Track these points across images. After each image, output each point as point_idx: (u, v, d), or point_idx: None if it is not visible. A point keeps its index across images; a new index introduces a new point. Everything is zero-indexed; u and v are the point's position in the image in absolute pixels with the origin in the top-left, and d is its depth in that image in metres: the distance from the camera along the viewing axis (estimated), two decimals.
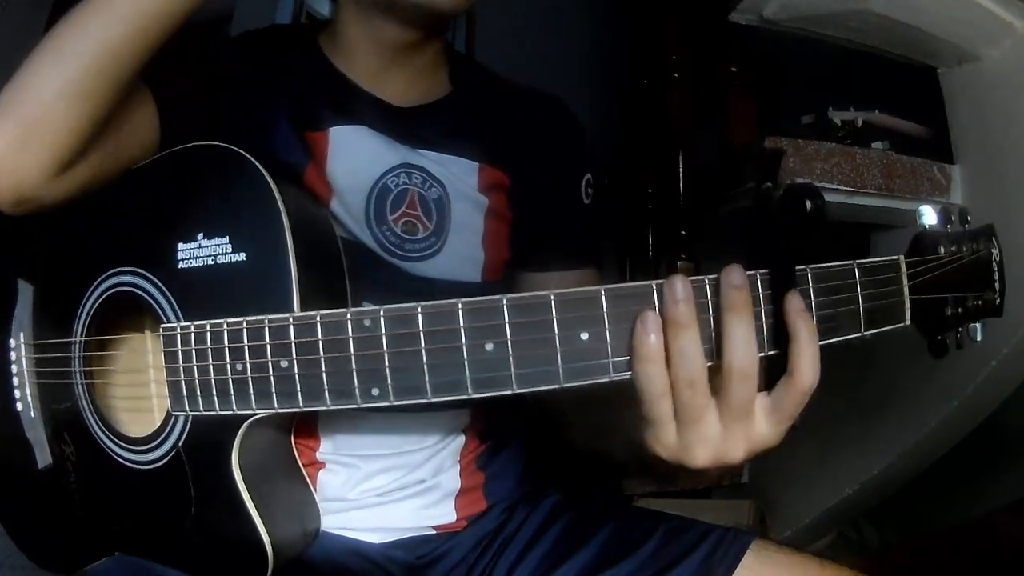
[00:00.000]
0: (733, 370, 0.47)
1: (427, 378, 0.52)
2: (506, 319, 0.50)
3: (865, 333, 0.52)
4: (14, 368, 0.71)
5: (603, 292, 0.49)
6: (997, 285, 0.57)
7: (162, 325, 0.60)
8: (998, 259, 0.57)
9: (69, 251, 0.70)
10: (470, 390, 0.51)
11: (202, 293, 0.60)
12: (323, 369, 0.54)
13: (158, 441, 0.62)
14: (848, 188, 1.26)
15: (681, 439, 0.49)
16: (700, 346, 0.47)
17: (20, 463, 0.70)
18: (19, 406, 0.70)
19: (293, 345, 0.54)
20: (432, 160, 0.75)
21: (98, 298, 0.67)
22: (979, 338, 0.58)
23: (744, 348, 0.46)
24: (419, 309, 0.51)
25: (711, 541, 0.69)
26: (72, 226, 0.69)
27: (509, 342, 0.50)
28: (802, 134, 1.35)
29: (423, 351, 0.51)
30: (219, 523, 0.61)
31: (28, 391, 0.70)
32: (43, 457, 0.69)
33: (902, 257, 0.54)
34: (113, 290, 0.66)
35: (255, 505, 0.59)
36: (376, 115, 0.74)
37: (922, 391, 1.35)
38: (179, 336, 0.58)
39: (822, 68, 1.51)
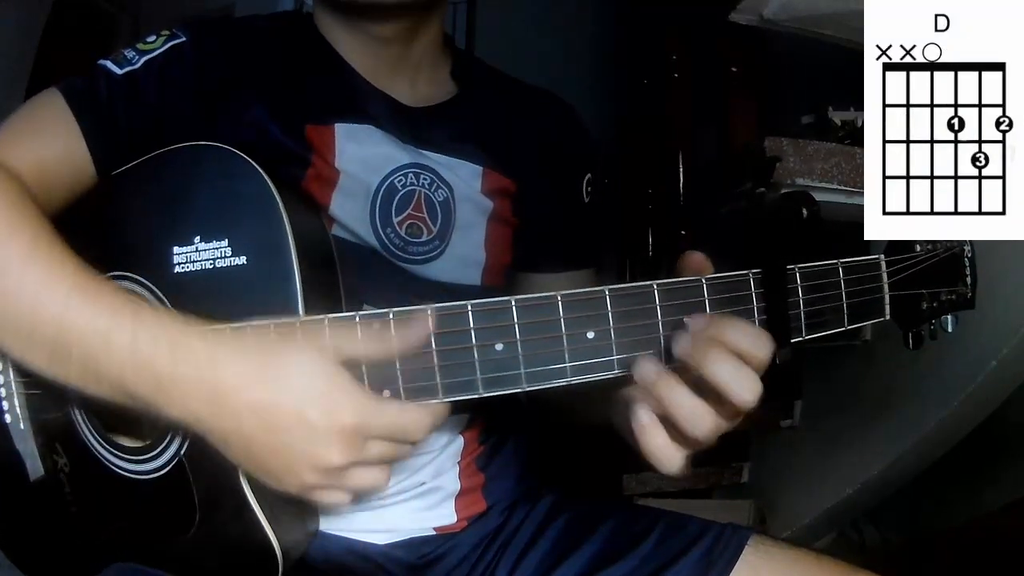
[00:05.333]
0: (747, 403, 0.49)
1: (439, 378, 0.53)
2: (515, 319, 0.52)
3: (849, 327, 0.57)
4: (0, 379, 0.70)
5: (607, 292, 0.52)
6: (969, 280, 0.62)
7: None
8: (970, 255, 0.62)
9: None
10: (481, 389, 0.53)
11: (201, 298, 0.58)
12: None
13: (158, 450, 0.61)
14: (848, 188, 1.26)
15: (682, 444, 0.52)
16: (701, 404, 0.50)
17: (11, 476, 0.68)
18: (7, 417, 0.67)
19: None
20: (438, 163, 0.74)
21: None
22: (950, 329, 0.62)
23: (746, 387, 0.49)
24: (429, 311, 0.52)
25: (710, 537, 0.70)
26: (59, 229, 0.66)
27: (519, 342, 0.52)
28: (802, 134, 1.36)
29: (434, 352, 0.52)
30: (225, 531, 0.60)
31: (16, 401, 0.67)
32: (35, 469, 0.67)
33: (882, 256, 0.59)
34: None
35: (263, 511, 0.58)
36: (384, 113, 0.73)
37: (922, 391, 1.35)
38: None
39: (822, 68, 1.51)
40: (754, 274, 0.54)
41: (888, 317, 0.59)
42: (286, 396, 0.51)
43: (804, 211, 0.52)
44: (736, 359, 0.49)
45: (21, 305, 0.54)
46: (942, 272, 0.61)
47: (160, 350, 0.51)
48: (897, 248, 0.60)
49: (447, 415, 0.56)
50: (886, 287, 0.59)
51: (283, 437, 0.51)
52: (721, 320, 0.51)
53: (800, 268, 0.55)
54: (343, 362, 0.52)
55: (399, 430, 0.53)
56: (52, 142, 0.65)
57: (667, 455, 0.51)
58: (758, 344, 0.50)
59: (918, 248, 0.60)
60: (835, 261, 0.56)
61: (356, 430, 0.51)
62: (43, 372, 0.56)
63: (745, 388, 0.49)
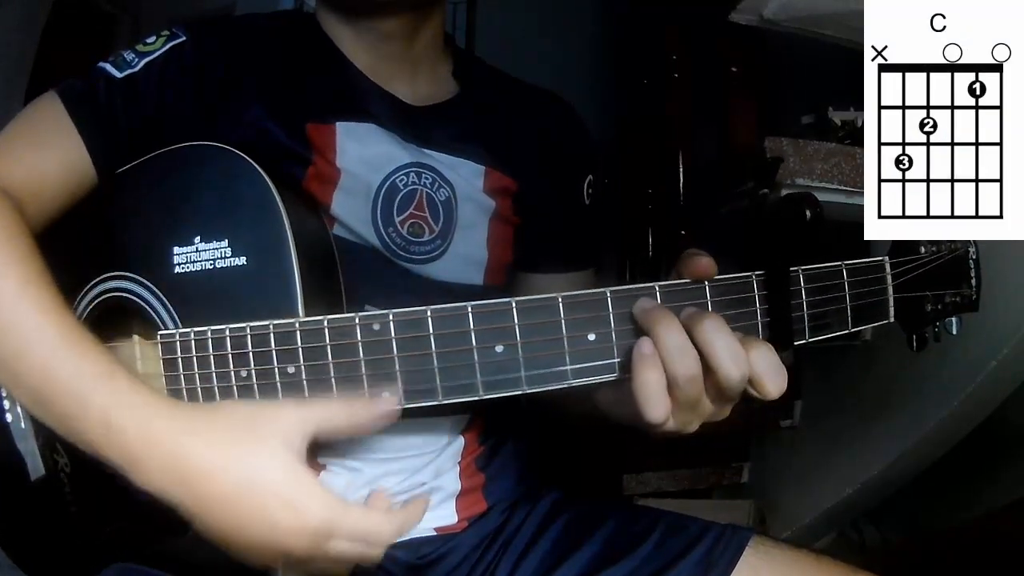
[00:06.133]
0: (732, 378, 0.49)
1: (438, 380, 0.53)
2: (515, 321, 0.51)
3: (852, 330, 0.56)
4: None
5: (608, 294, 0.52)
6: (973, 281, 0.61)
7: (160, 332, 0.59)
8: (975, 256, 0.61)
9: (56, 255, 0.68)
10: (481, 391, 0.53)
11: (201, 298, 0.59)
12: (332, 374, 0.54)
13: None
14: (848, 188, 1.26)
15: (677, 420, 0.52)
16: (689, 343, 0.49)
17: (12, 475, 0.68)
18: (8, 417, 0.67)
19: (300, 351, 0.54)
20: (440, 162, 0.74)
21: (89, 304, 0.66)
22: (954, 331, 0.62)
23: (732, 357, 0.49)
24: (429, 312, 0.52)
25: (711, 537, 0.70)
26: (59, 229, 0.67)
27: (519, 344, 0.52)
28: (802, 134, 1.36)
29: (434, 354, 0.52)
30: None
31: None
32: (35, 468, 0.68)
33: (887, 258, 0.58)
34: (105, 296, 0.64)
35: None
36: (386, 111, 0.73)
37: (922, 391, 1.35)
38: (179, 343, 0.57)
39: (822, 68, 1.51)
40: (757, 276, 0.53)
41: (892, 319, 0.59)
42: (252, 493, 0.51)
43: (808, 213, 0.52)
44: (733, 336, 0.50)
45: (6, 347, 0.55)
46: (946, 274, 0.60)
47: (131, 427, 0.52)
48: (901, 249, 0.60)
49: (415, 524, 0.57)
50: (890, 289, 0.58)
51: (247, 526, 0.52)
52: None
53: (804, 270, 0.54)
54: (316, 434, 0.53)
55: (361, 534, 0.54)
56: (52, 149, 0.65)
57: (656, 393, 0.50)
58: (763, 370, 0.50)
59: (922, 250, 0.59)
60: (839, 263, 0.55)
61: (320, 531, 0.52)
62: (29, 411, 0.57)
63: (733, 363, 0.49)
